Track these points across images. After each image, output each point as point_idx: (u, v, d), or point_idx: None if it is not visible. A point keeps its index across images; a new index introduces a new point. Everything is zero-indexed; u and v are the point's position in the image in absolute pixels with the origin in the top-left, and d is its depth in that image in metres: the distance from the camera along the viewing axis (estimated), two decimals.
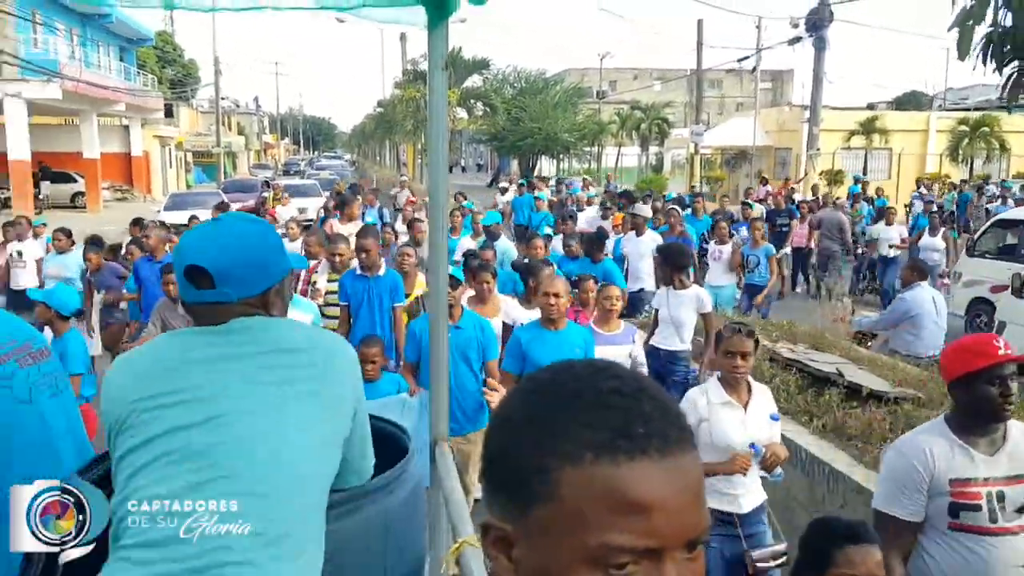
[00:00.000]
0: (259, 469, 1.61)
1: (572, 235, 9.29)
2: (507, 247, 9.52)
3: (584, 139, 46.60)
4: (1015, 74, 3.22)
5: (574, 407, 0.79)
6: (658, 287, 7.32)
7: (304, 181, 31.68)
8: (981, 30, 7.90)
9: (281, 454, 1.63)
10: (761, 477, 3.75)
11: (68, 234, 9.64)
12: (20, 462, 2.04)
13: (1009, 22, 4.37)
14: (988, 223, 11.50)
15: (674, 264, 6.43)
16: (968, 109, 35.41)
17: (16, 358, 2.14)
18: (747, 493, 3.70)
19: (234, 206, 18.06)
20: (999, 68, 3.83)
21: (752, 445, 3.62)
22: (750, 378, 3.81)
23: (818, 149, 26.51)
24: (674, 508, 0.76)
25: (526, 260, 7.66)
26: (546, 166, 53.98)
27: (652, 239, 9.38)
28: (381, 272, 6.33)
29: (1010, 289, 8.43)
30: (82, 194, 30.85)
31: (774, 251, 10.37)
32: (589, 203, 17.04)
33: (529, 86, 47.58)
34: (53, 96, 24.62)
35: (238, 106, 71.32)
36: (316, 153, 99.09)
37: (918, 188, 19.88)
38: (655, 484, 0.76)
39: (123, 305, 8.38)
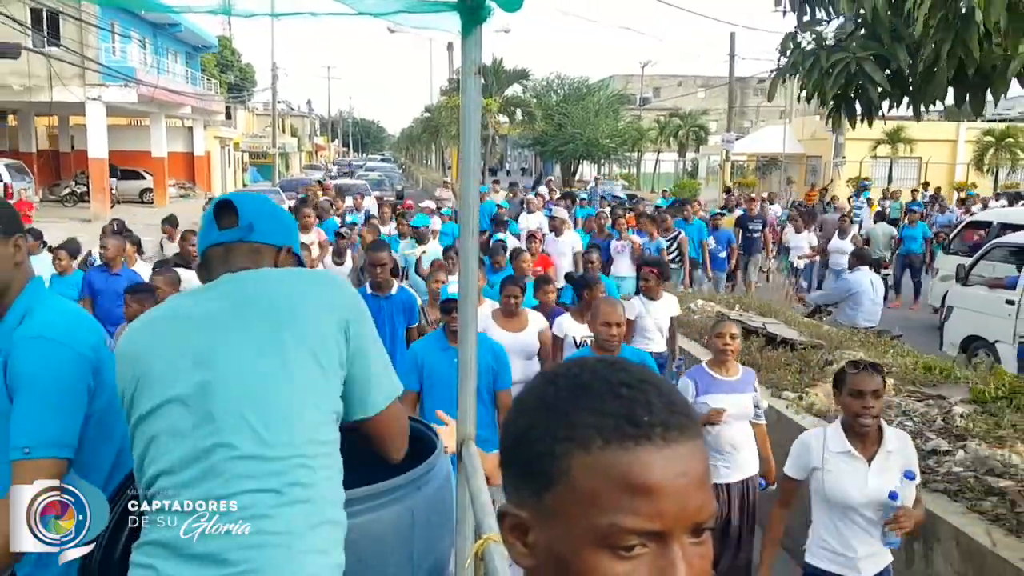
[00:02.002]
0: (262, 426, 1.64)
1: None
2: (436, 251, 9.21)
3: (624, 145, 47.98)
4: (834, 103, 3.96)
5: (585, 396, 0.84)
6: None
7: (355, 181, 33.60)
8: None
9: (281, 408, 1.67)
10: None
11: (73, 252, 8.32)
12: None
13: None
14: (962, 224, 12.84)
15: (663, 275, 6.54)
16: (1006, 120, 36.09)
17: None
18: (868, 556, 3.19)
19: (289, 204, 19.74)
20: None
21: (891, 494, 3.08)
22: (883, 423, 3.23)
23: (843, 157, 27.67)
24: (678, 492, 0.80)
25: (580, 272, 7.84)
26: (587, 170, 55.53)
27: (571, 240, 10.18)
28: (394, 291, 5.86)
29: (955, 278, 9.84)
30: (150, 190, 33.23)
31: (664, 245, 10.97)
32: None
33: (572, 92, 49.21)
34: (129, 100, 26.93)
35: (292, 109, 73.87)
36: (364, 155, 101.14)
37: (859, 196, 20.76)
38: (659, 469, 0.80)
39: None
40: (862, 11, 3.79)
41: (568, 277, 6.88)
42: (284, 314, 1.73)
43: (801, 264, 12.76)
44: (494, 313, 5.48)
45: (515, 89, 45.68)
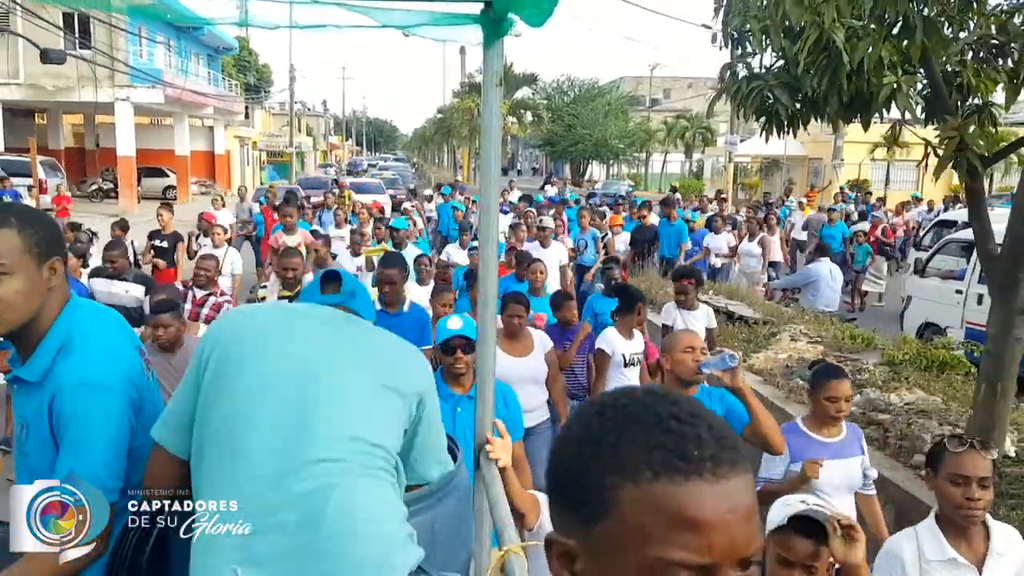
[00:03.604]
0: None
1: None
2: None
3: (633, 145, 49.07)
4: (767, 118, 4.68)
5: (635, 429, 0.84)
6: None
7: (369, 179, 34.69)
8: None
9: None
10: None
11: (79, 253, 8.20)
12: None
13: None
14: (931, 224, 13.89)
15: (700, 284, 6.42)
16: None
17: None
18: None
19: (314, 200, 20.66)
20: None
21: None
22: (988, 516, 2.59)
23: (841, 160, 28.63)
24: (727, 527, 0.81)
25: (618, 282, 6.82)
26: (597, 170, 56.72)
27: (557, 252, 9.01)
28: (405, 308, 5.49)
29: (912, 269, 10.90)
30: (173, 187, 34.50)
31: (599, 234, 11.44)
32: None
33: (582, 94, 50.43)
34: (156, 100, 28.25)
35: (307, 109, 75.17)
36: (376, 154, 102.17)
37: (785, 203, 21.75)
38: (709, 503, 0.80)
39: None
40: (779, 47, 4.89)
41: (617, 289, 5.98)
42: (377, 358, 1.99)
43: (719, 264, 12.73)
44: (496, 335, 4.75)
45: (524, 92, 46.88)
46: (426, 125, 72.72)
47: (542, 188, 30.55)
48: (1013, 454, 4.47)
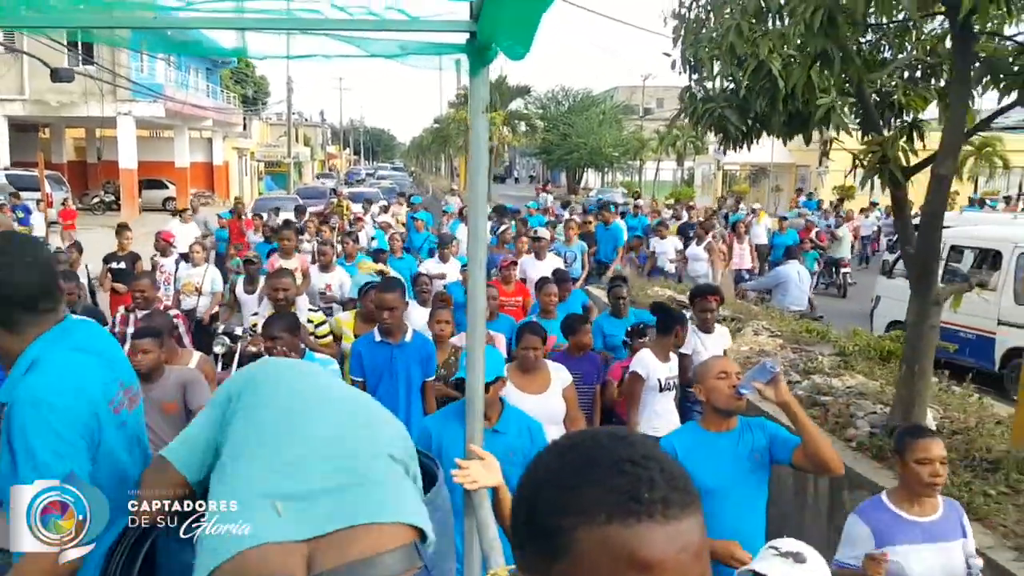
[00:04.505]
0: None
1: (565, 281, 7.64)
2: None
3: (627, 154, 49.81)
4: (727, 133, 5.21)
5: (592, 472, 0.89)
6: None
7: (367, 189, 35.32)
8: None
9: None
10: None
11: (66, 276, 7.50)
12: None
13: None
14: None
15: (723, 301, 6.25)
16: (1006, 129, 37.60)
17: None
18: None
19: (310, 209, 21.08)
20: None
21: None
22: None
23: (826, 167, 29.33)
24: (678, 567, 0.85)
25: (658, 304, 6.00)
26: (592, 178, 57.48)
27: (552, 264, 8.66)
28: (407, 337, 5.01)
29: (881, 270, 11.54)
30: (173, 199, 35.06)
31: (586, 248, 11.34)
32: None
33: (576, 104, 51.26)
34: (157, 114, 28.93)
35: (305, 119, 75.85)
36: (374, 163, 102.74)
37: (719, 210, 22.52)
38: (660, 545, 0.84)
39: None
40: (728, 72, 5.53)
41: (655, 308, 5.61)
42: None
43: (672, 268, 12.89)
44: (508, 370, 4.15)
45: (519, 103, 47.73)
46: (423, 134, 73.45)
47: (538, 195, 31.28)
48: (933, 427, 5.08)
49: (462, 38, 2.36)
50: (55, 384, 1.90)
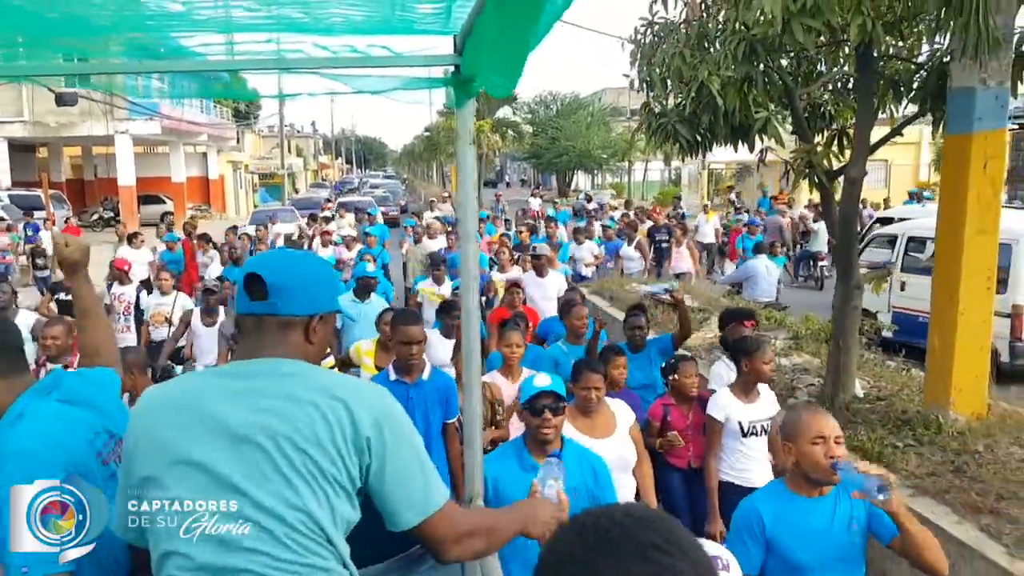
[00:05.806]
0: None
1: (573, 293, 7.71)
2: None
3: (616, 155, 50.60)
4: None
5: (615, 555, 0.85)
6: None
7: (361, 198, 35.93)
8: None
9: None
10: None
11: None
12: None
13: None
14: (873, 219, 15.39)
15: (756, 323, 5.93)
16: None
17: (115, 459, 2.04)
18: None
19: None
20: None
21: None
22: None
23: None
24: None
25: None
26: (582, 180, 58.29)
27: (556, 282, 8.58)
28: (425, 375, 4.62)
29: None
30: (170, 214, 35.72)
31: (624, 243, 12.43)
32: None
33: (564, 108, 52.12)
34: (153, 132, 29.68)
35: (297, 130, 76.55)
36: (366, 171, 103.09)
37: (674, 209, 22.83)
38: None
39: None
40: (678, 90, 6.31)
41: (726, 342, 5.44)
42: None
43: (589, 272, 12.83)
44: (569, 412, 3.71)
45: (506, 111, 48.71)
46: (415, 142, 74.34)
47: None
48: (861, 395, 5.85)
49: (447, 71, 2.43)
50: (37, 435, 1.90)
